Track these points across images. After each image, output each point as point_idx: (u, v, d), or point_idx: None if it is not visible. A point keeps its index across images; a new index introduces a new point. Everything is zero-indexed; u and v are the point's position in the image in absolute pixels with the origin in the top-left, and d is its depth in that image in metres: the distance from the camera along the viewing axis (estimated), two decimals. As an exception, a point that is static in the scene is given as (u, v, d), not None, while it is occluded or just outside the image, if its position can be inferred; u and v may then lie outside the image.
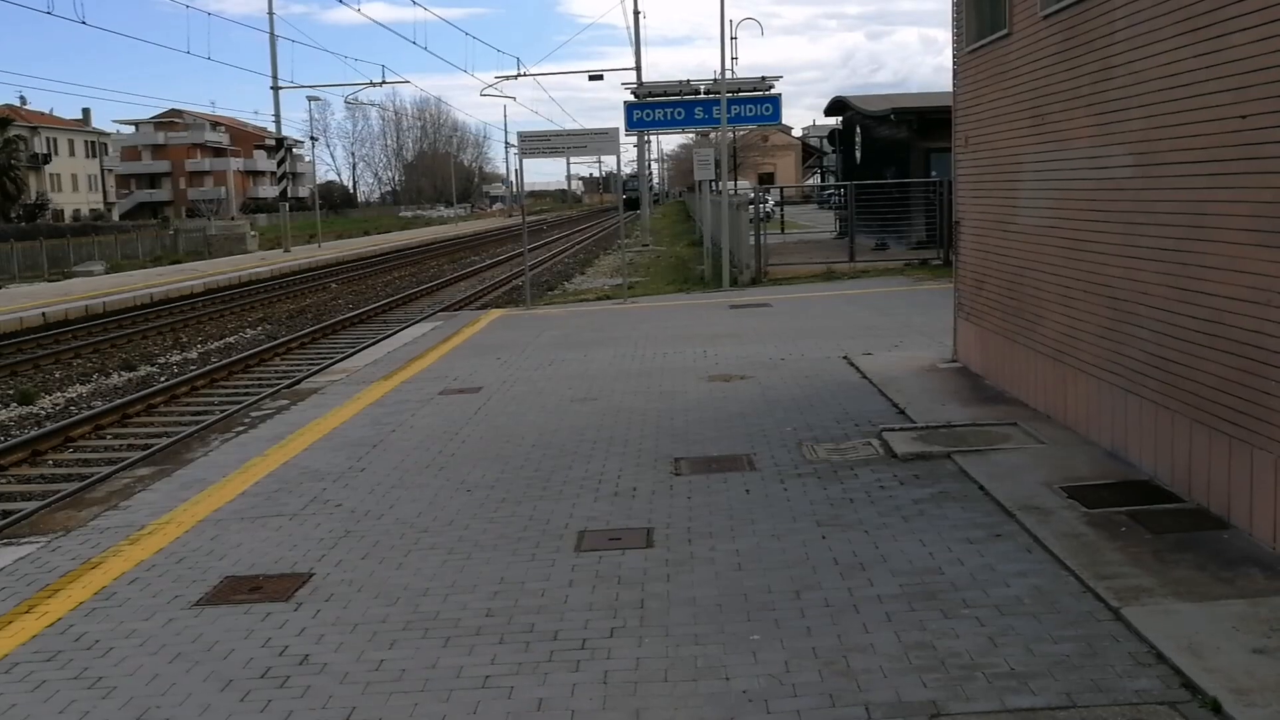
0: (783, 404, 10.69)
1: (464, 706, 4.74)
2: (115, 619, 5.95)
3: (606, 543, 6.81)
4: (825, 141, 74.77)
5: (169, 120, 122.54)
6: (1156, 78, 7.14)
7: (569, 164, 65.02)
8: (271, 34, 52.03)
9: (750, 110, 30.29)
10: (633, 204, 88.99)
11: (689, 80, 32.59)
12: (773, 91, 30.92)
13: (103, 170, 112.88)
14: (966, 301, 11.94)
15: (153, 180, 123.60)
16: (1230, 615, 5.11)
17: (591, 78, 60.87)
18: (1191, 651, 4.74)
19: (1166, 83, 7.00)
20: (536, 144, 22.87)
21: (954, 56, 12.13)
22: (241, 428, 10.90)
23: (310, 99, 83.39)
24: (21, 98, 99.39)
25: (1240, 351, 6.22)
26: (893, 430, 9.13)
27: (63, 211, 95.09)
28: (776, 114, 30.59)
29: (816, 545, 6.54)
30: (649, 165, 78.37)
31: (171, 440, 12.83)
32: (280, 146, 55.10)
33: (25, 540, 7.50)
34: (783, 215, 46.00)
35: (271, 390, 15.75)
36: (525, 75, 69.37)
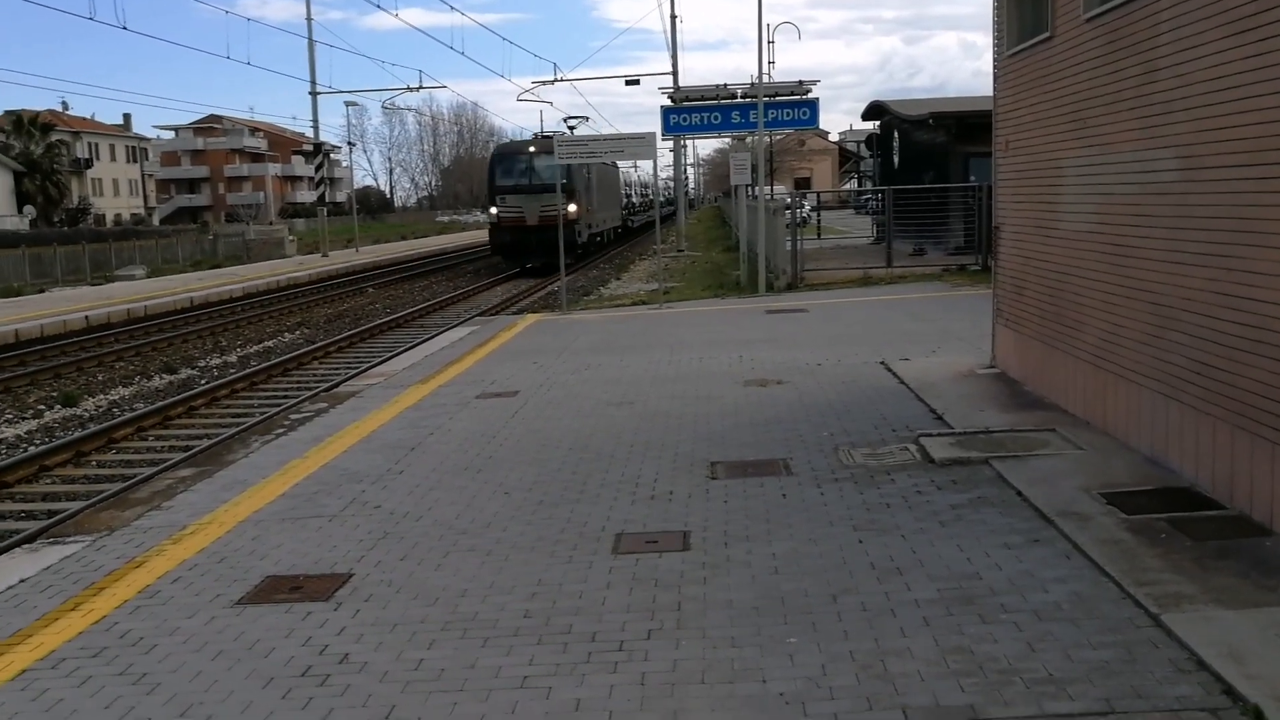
0: (819, 409, 10.67)
1: (502, 707, 4.77)
2: (159, 617, 6.03)
3: (643, 545, 6.82)
4: (862, 146, 74.38)
5: (208, 125, 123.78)
6: (1202, 80, 7.09)
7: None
8: (310, 39, 52.46)
9: (787, 114, 30.21)
10: (572, 237, 38.43)
11: (725, 84, 32.57)
12: (810, 96, 30.85)
13: (143, 175, 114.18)
14: (1005, 307, 11.87)
15: (192, 185, 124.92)
16: (1272, 623, 5.06)
17: (628, 83, 59.81)
18: (1233, 658, 4.70)
19: (1212, 85, 6.95)
20: (574, 149, 22.97)
21: (994, 60, 12.08)
22: (281, 430, 11.00)
23: (348, 104, 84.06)
24: (64, 103, 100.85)
25: (1284, 357, 6.16)
26: (930, 436, 9.10)
27: (104, 216, 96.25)
28: (814, 118, 30.49)
29: (853, 549, 6.53)
30: (685, 169, 72.31)
31: (212, 442, 12.98)
32: (318, 151, 55.53)
33: (71, 539, 7.61)
34: (819, 220, 45.89)
35: (310, 393, 15.88)
36: (562, 80, 69.50)
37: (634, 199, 73.17)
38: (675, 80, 50.53)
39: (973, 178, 25.90)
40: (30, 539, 8.72)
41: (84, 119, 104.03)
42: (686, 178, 77.91)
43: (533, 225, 38.52)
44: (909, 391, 11.22)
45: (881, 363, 13.04)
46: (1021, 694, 4.60)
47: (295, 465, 9.40)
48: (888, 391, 11.37)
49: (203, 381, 18.74)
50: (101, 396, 17.66)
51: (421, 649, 5.43)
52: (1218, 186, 6.96)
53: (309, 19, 52.51)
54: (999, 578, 5.93)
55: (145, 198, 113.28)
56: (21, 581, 6.72)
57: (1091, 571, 5.94)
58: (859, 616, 5.52)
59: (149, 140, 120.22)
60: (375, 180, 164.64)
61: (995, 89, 12.04)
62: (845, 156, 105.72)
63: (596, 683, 4.95)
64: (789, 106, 30.20)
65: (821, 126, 43.62)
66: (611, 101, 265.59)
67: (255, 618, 5.96)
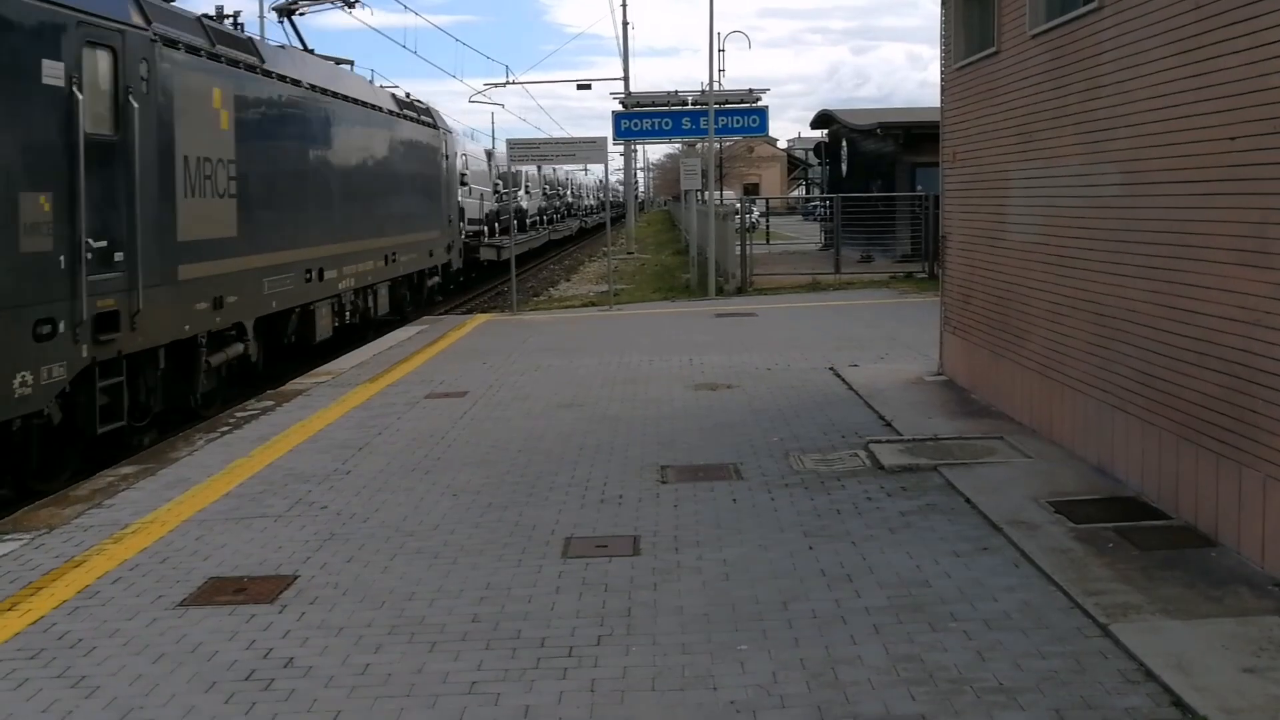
0: (769, 414, 10.69)
1: (450, 713, 4.72)
2: (99, 618, 5.90)
3: (593, 550, 6.79)
4: (811, 154, 74.72)
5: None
6: (1145, 98, 7.19)
7: (554, 170, 60.02)
8: (261, 37, 51.89)
9: (737, 121, 30.43)
10: None
11: (677, 91, 32.69)
12: (760, 104, 31.04)
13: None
14: (953, 315, 11.97)
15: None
16: (1219, 634, 5.12)
17: (580, 87, 59.55)
18: (1181, 669, 4.75)
19: (1155, 103, 7.05)
20: (525, 151, 22.92)
21: (942, 73, 12.19)
22: (226, 428, 10.84)
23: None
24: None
25: (1228, 370, 6.26)
26: (879, 442, 9.14)
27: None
28: (763, 125, 30.75)
29: (804, 556, 6.53)
30: (635, 173, 70.94)
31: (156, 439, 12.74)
32: (265, 148, 54.68)
33: (9, 537, 7.43)
34: (768, 226, 46.09)
35: (257, 391, 15.65)
36: (514, 83, 68.71)
37: (525, 202, 40.35)
38: (626, 86, 50.47)
39: (920, 187, 26.17)
40: (-36, 537, 8.51)
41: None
42: (636, 181, 77.78)
43: None
44: (858, 398, 11.27)
45: (830, 368, 13.10)
46: (972, 703, 4.62)
47: (241, 464, 9.26)
48: (837, 397, 11.42)
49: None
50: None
51: (368, 653, 5.36)
52: (1160, 201, 7.06)
53: (261, 16, 51.92)
54: (948, 586, 5.96)
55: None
56: (-44, 581, 6.55)
57: (1040, 580, 5.98)
58: (810, 624, 5.52)
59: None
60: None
61: (943, 101, 12.15)
62: (794, 164, 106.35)
63: (545, 689, 4.91)
64: (739, 114, 30.39)
65: (770, 134, 43.83)
66: (563, 104, 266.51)
67: (198, 620, 5.85)
